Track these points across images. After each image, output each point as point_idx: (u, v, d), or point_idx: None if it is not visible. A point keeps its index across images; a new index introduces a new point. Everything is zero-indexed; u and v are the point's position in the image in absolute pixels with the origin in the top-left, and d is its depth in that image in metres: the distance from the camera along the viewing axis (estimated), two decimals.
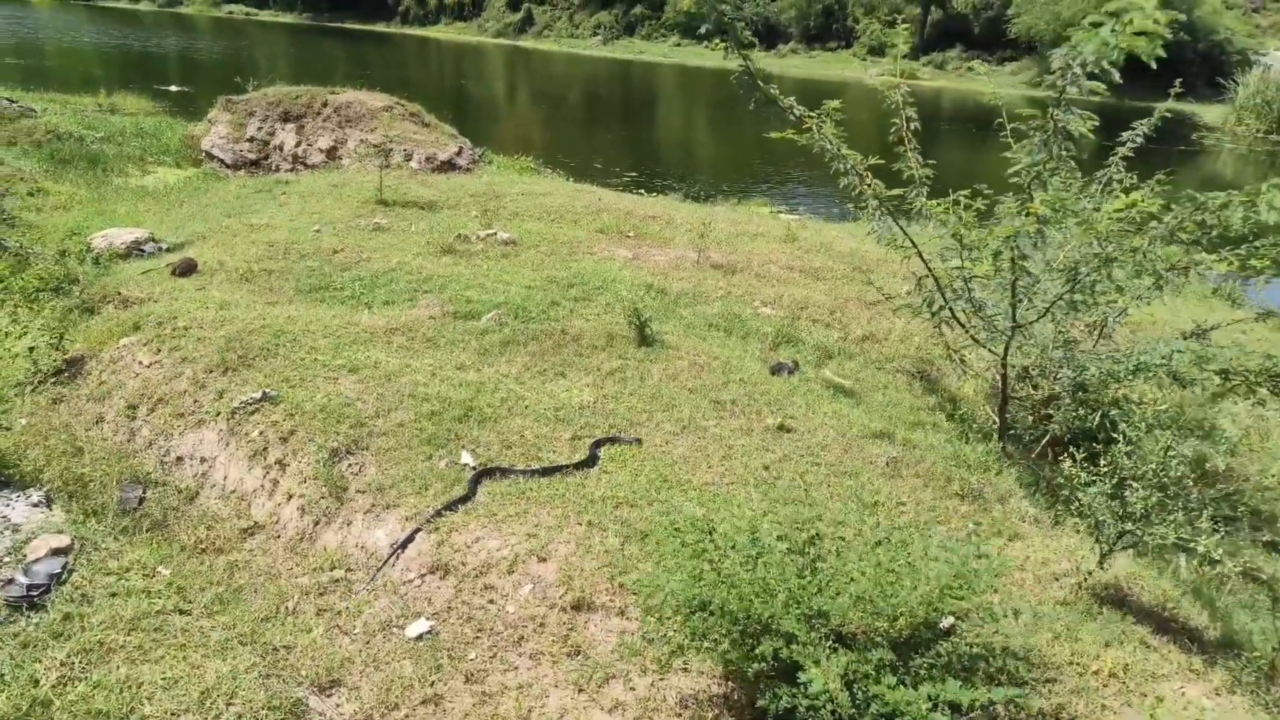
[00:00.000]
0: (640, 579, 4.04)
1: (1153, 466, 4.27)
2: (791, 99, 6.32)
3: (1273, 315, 6.18)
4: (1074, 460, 4.83)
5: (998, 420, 7.18)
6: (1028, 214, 5.41)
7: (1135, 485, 4.28)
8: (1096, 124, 5.39)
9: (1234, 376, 6.32)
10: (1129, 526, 4.37)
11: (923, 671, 3.49)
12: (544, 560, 4.79)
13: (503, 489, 5.43)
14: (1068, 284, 5.85)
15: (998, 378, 7.54)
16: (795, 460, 6.08)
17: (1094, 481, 4.60)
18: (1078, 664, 4.12)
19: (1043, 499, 6.25)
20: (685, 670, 4.07)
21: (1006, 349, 6.50)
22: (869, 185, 6.33)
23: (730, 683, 4.00)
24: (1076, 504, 4.69)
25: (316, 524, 5.50)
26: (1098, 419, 6.62)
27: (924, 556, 3.70)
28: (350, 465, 5.77)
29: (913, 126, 6.85)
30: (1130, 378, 6.36)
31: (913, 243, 6.42)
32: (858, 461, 6.15)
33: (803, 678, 3.24)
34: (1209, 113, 41.62)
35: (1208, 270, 5.67)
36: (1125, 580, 4.87)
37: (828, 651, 3.34)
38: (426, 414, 6.24)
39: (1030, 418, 7.32)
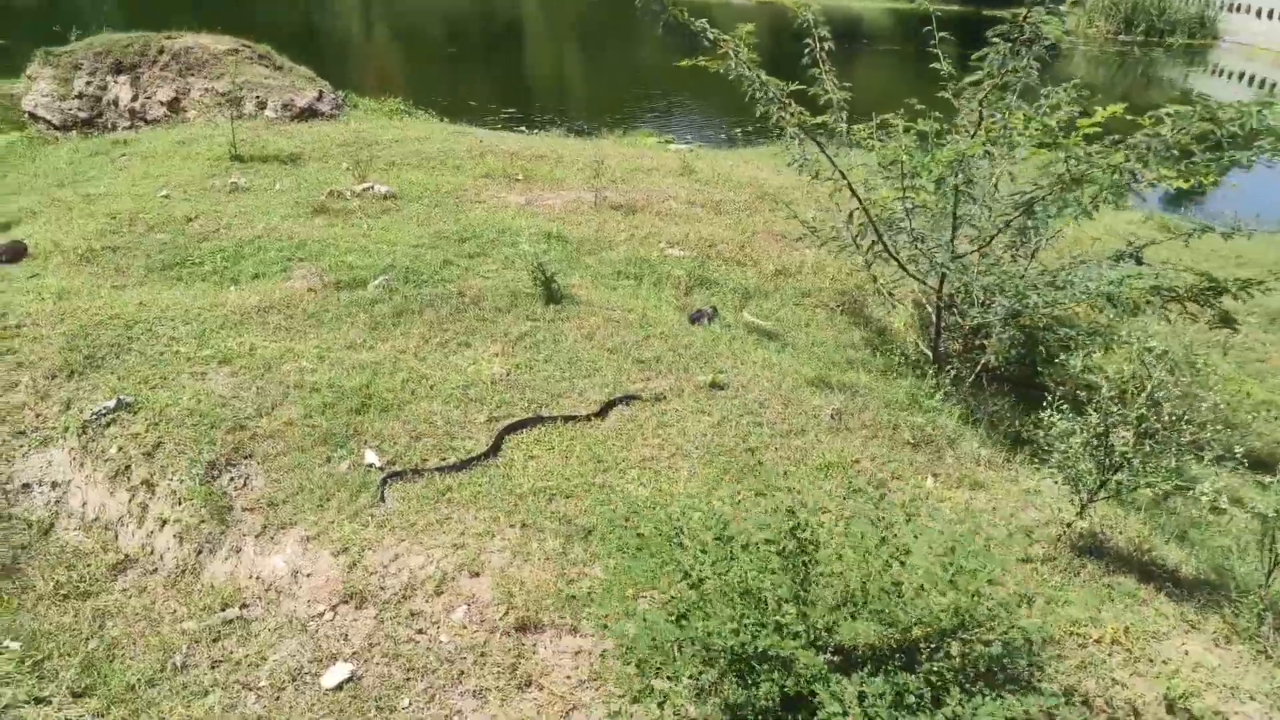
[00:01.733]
0: (599, 598, 3.43)
1: (1141, 411, 3.90)
2: (704, 21, 5.61)
3: (1208, 230, 5.94)
4: (1050, 406, 4.43)
5: (931, 354, 6.83)
6: (984, 134, 4.92)
7: (1123, 432, 3.92)
8: (1068, 28, 4.92)
9: (1165, 293, 6.11)
10: (1118, 477, 4.02)
11: (935, 679, 3.02)
12: (476, 575, 4.13)
13: (417, 490, 4.70)
14: (1019, 210, 5.44)
15: (927, 309, 7.17)
16: (736, 421, 5.55)
17: (1073, 431, 4.22)
18: (1077, 634, 3.77)
19: (988, 436, 5.93)
20: (661, 706, 3.52)
21: (942, 281, 6.09)
22: (792, 113, 5.72)
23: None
24: (1057, 454, 4.31)
25: (199, 553, 4.67)
26: (1039, 347, 6.34)
27: (932, 553, 3.21)
28: (233, 479, 4.92)
29: (826, 47, 6.27)
30: (1072, 303, 6.06)
31: (843, 174, 5.89)
32: (801, 417, 5.66)
33: (821, 716, 2.72)
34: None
35: (1152, 186, 5.32)
36: (1100, 524, 4.57)
37: (838, 681, 2.83)
38: (318, 407, 5.41)
39: (959, 347, 7.01)
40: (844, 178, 5.93)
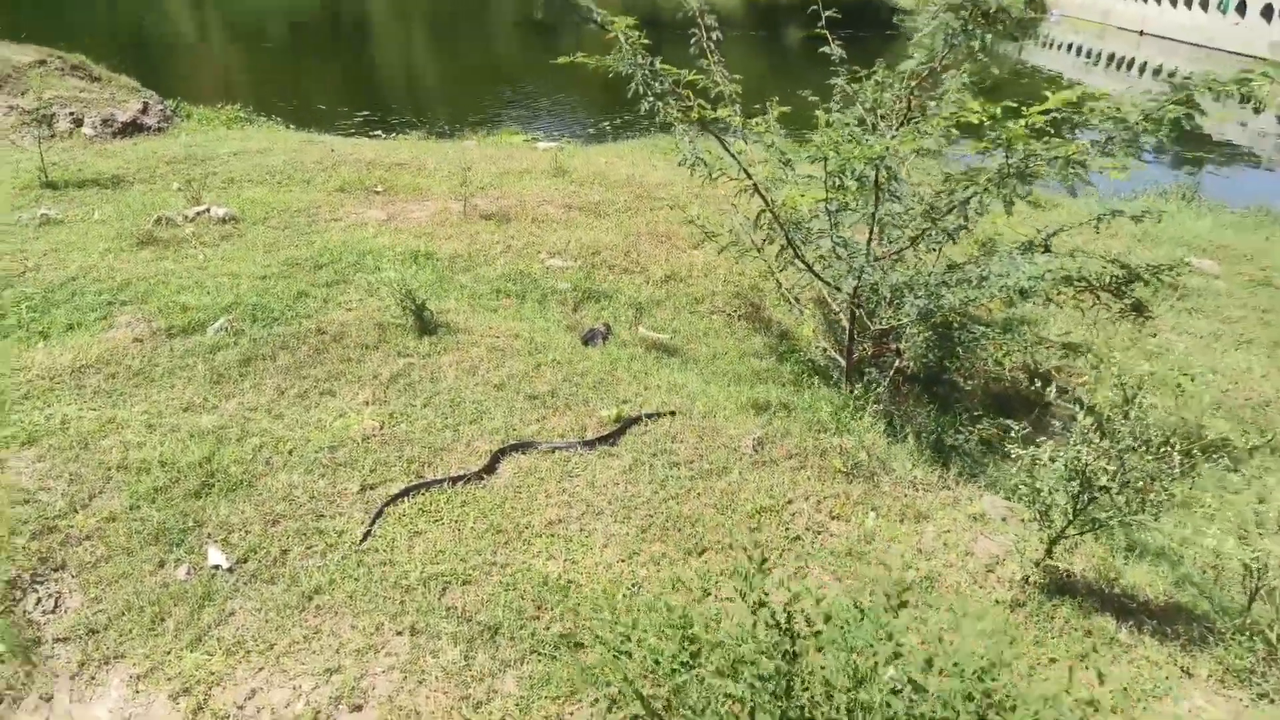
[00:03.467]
0: None
1: (1129, 442, 3.42)
2: (590, 2, 4.88)
3: (1118, 215, 5.63)
4: (1015, 437, 3.92)
5: (843, 362, 6.33)
6: (913, 128, 4.38)
7: (1103, 463, 3.43)
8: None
9: (1076, 283, 5.78)
10: (1097, 512, 3.53)
11: None
12: (358, 709, 3.29)
13: (277, 595, 3.81)
14: (950, 209, 4.95)
15: (835, 311, 6.68)
16: (649, 464, 4.87)
17: (1038, 462, 3.71)
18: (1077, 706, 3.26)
19: (917, 451, 5.47)
20: None
21: (858, 286, 5.57)
22: (691, 107, 5.06)
23: None
24: (1024, 487, 3.80)
25: None
26: (956, 348, 5.92)
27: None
28: (40, 601, 3.89)
29: (714, 37, 5.64)
30: (988, 300, 5.65)
31: (748, 173, 5.26)
32: (720, 451, 5.03)
33: None
34: None
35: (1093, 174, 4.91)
36: (1061, 553, 4.12)
37: None
38: (147, 494, 4.42)
39: (870, 352, 6.54)
40: (749, 177, 5.31)
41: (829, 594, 3.49)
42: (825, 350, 6.60)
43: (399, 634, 3.60)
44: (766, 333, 7.54)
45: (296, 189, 9.84)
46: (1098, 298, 5.92)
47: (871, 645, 2.63)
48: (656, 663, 2.64)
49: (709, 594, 3.62)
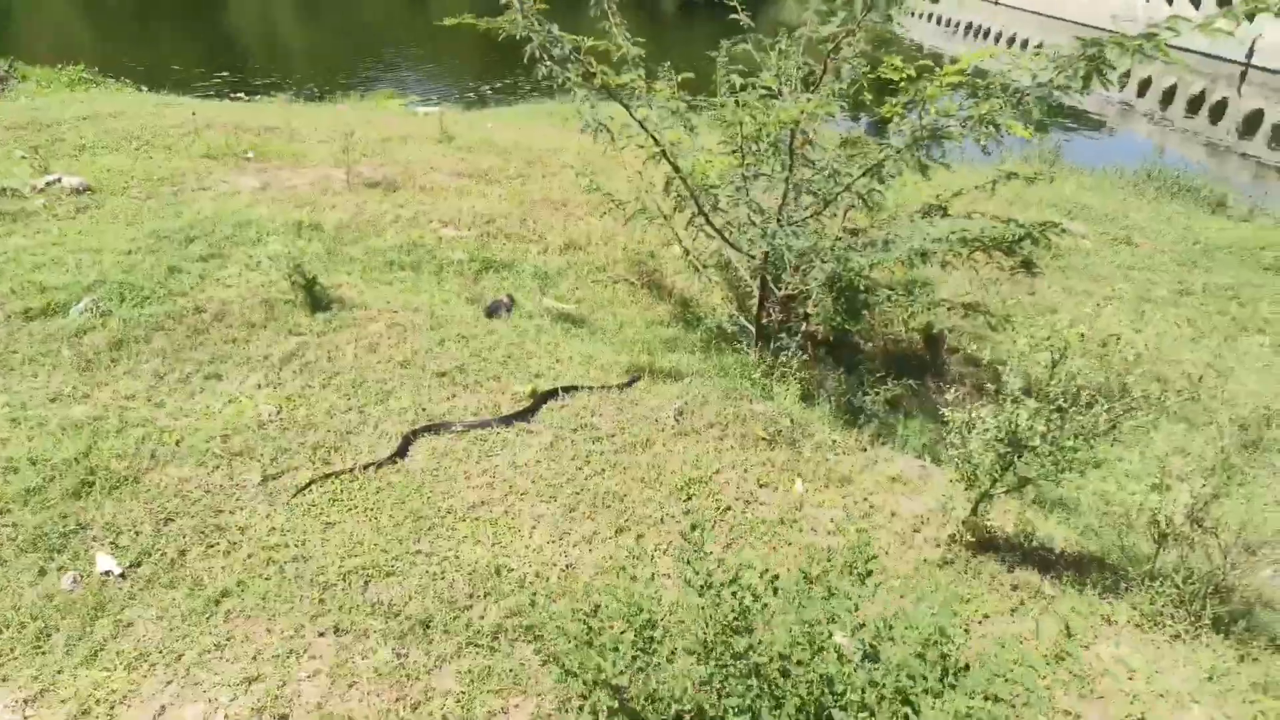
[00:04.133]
0: None
1: (1060, 403, 3.48)
2: None
3: (1013, 177, 5.78)
4: (951, 401, 3.96)
5: (754, 329, 6.32)
6: (829, 90, 4.32)
7: (1033, 422, 3.48)
8: None
9: (972, 244, 5.93)
10: (1024, 470, 3.59)
11: None
12: (285, 719, 3.04)
13: (181, 601, 3.48)
14: (864, 172, 4.93)
15: (743, 277, 6.65)
16: (570, 440, 4.72)
17: (972, 424, 3.76)
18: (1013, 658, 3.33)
19: (834, 416, 5.52)
20: None
21: (768, 253, 5.53)
22: (595, 73, 4.86)
23: None
24: (953, 448, 3.84)
25: None
26: (862, 311, 5.99)
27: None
28: None
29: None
30: (892, 263, 5.73)
31: (656, 140, 5.12)
32: (641, 423, 4.92)
33: None
34: None
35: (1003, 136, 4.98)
36: (982, 511, 4.22)
37: None
38: (18, 496, 3.96)
39: (779, 317, 6.56)
40: (657, 144, 5.16)
41: (767, 564, 3.46)
42: (733, 316, 6.58)
43: (321, 635, 3.34)
44: (669, 300, 7.46)
45: (158, 156, 9.08)
46: (990, 256, 6.09)
47: (832, 618, 2.58)
48: (616, 649, 2.52)
49: (649, 572, 3.52)
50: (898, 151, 4.81)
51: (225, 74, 17.59)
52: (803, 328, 6.35)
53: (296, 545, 3.83)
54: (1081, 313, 8.01)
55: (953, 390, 4.07)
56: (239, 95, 15.10)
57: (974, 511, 3.86)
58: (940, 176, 5.57)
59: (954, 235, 5.37)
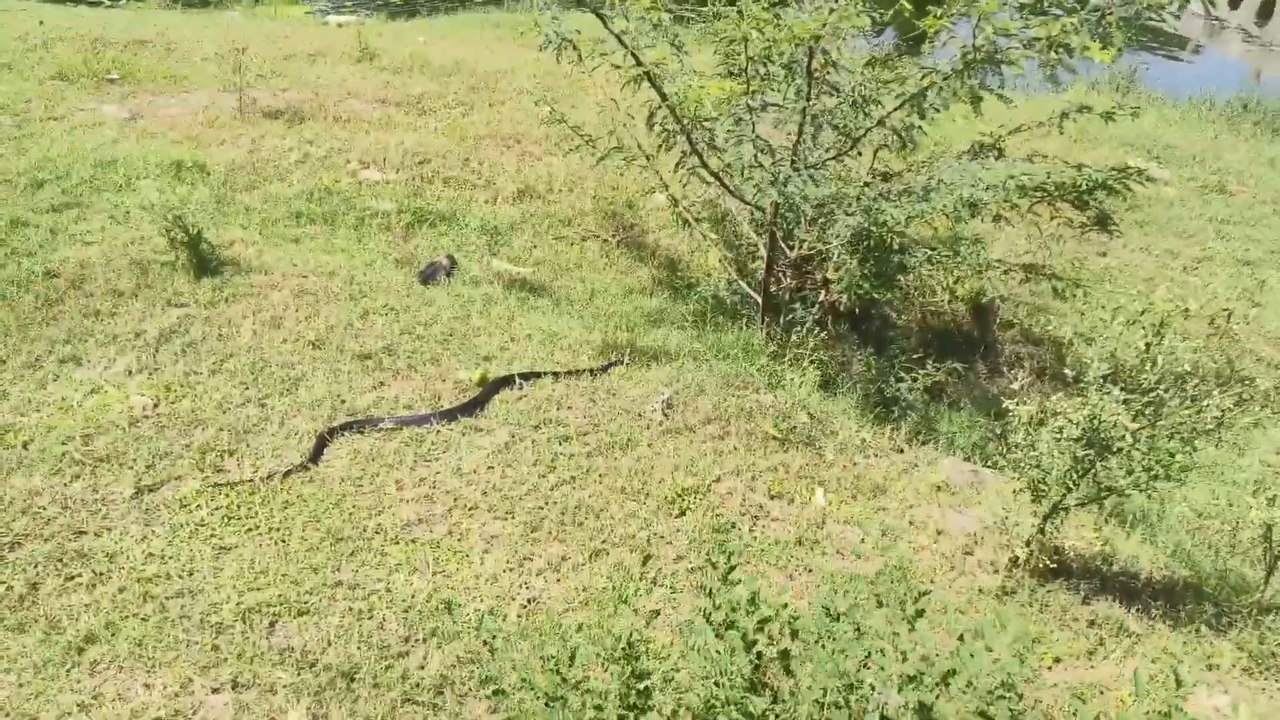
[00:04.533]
0: None
1: (1158, 394, 3.44)
2: None
3: (1086, 111, 5.74)
4: (1016, 390, 3.93)
5: (759, 298, 6.27)
6: None
7: (1123, 419, 3.45)
8: None
9: (1032, 194, 5.91)
10: (1120, 482, 3.55)
11: None
12: None
13: (34, 649, 3.38)
14: (904, 102, 4.88)
15: (746, 232, 6.60)
16: (531, 440, 4.66)
17: (1043, 419, 3.73)
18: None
19: (863, 407, 5.50)
20: None
21: (779, 203, 5.48)
22: None
23: None
24: (1020, 454, 3.81)
25: None
26: (896, 276, 5.97)
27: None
28: None
29: None
30: (933, 215, 5.70)
31: (637, 58, 5.05)
32: (622, 417, 4.88)
33: None
34: None
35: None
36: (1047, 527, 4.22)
37: None
38: None
39: (790, 283, 6.52)
40: (639, 63, 5.07)
41: (783, 597, 3.44)
42: (733, 283, 6.52)
43: (215, 691, 3.27)
44: (652, 262, 7.41)
45: None
46: (1055, 209, 6.07)
47: (867, 658, 2.55)
48: (600, 709, 2.47)
49: (629, 605, 3.47)
50: (944, 78, 4.75)
51: None
52: (820, 297, 6.32)
53: (182, 576, 3.74)
54: (1165, 277, 8.05)
55: (1015, 376, 4.03)
56: (103, 1, 14.79)
57: (1042, 529, 3.84)
58: (991, 109, 5.54)
59: (1012, 182, 5.34)
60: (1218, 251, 8.67)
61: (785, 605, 2.77)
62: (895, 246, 5.98)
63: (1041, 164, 6.08)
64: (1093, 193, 5.98)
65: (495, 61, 11.16)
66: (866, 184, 5.86)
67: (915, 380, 5.87)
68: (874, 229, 5.69)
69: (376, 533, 4.02)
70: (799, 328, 5.83)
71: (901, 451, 4.98)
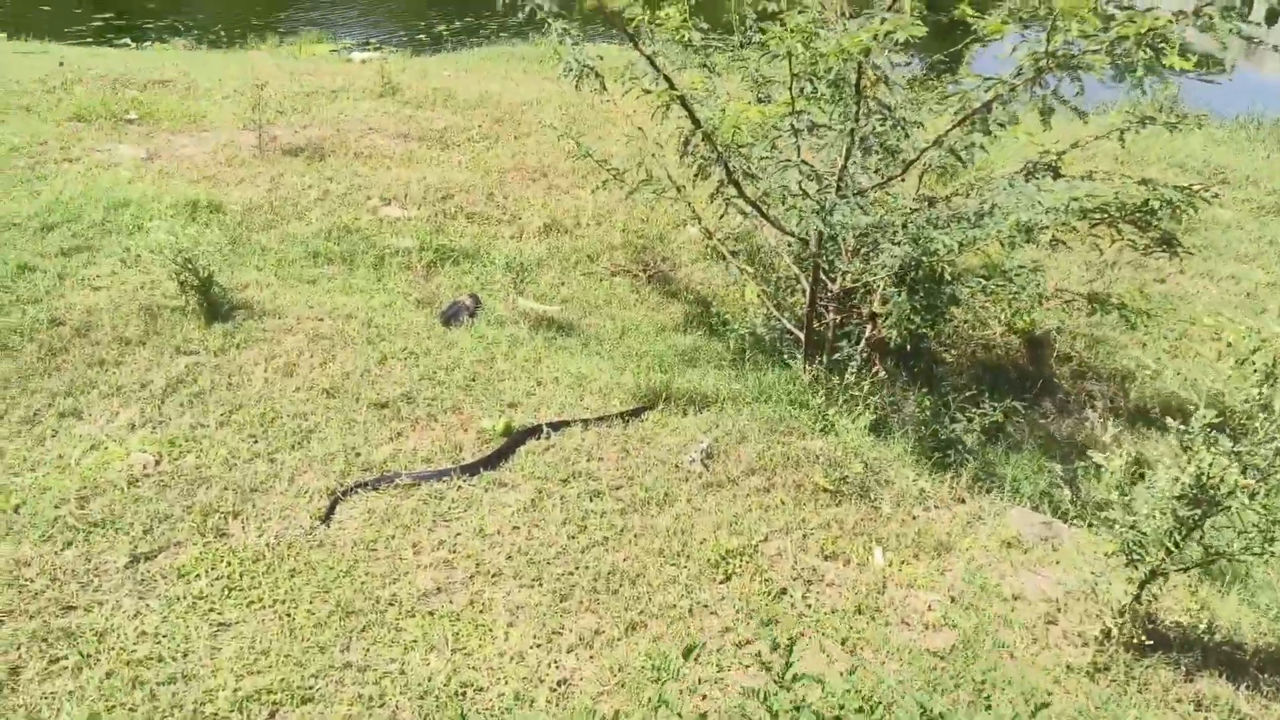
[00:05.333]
0: None
1: (1272, 444, 3.02)
2: None
3: (1149, 123, 5.35)
4: (1110, 440, 3.50)
5: (800, 335, 5.87)
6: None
7: (1230, 471, 3.03)
8: None
9: (1092, 215, 5.49)
10: (1234, 546, 3.12)
11: None
12: None
13: None
14: (963, 119, 4.49)
15: (782, 272, 6.23)
16: (560, 496, 4.27)
17: (1140, 472, 3.30)
18: None
19: (920, 454, 5.08)
20: None
21: (824, 231, 5.09)
22: None
23: None
24: (1118, 510, 3.38)
25: None
26: (946, 309, 5.57)
27: None
28: None
29: None
30: (987, 242, 5.30)
31: (670, 81, 4.69)
32: (658, 469, 4.48)
33: None
34: None
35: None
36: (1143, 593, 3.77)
37: None
38: None
39: (833, 319, 6.12)
40: (671, 87, 4.71)
41: (847, 679, 3.01)
42: (772, 318, 6.12)
43: None
44: (687, 299, 7.04)
45: (12, 119, 8.67)
46: (1118, 231, 5.66)
47: None
48: None
49: (670, 709, 3.07)
50: (1010, 90, 4.34)
51: (108, 15, 17.18)
52: (866, 332, 5.92)
53: (175, 658, 3.37)
54: (1229, 304, 7.58)
55: (1096, 420, 3.60)
56: (124, 41, 14.72)
57: (1138, 597, 3.39)
58: (1035, 127, 5.16)
59: (1075, 204, 4.92)
60: None
61: (850, 690, 2.39)
62: (946, 277, 5.58)
63: (1105, 182, 5.68)
64: (1156, 213, 5.57)
65: (520, 94, 10.89)
66: (912, 210, 5.45)
67: (972, 421, 5.44)
68: (924, 258, 5.29)
69: (391, 604, 3.64)
70: (847, 366, 5.43)
71: (963, 501, 4.55)
